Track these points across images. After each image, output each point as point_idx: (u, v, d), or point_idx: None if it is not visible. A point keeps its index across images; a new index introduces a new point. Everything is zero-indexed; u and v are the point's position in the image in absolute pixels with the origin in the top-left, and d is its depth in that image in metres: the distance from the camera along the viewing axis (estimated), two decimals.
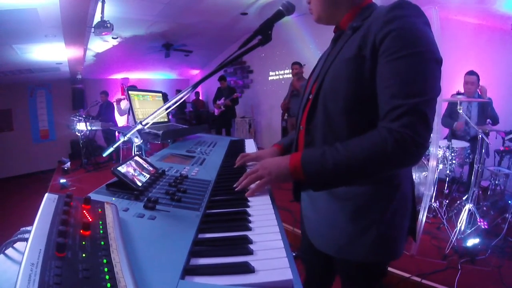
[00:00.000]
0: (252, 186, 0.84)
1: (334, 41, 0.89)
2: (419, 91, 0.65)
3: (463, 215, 2.42)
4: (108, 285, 0.36)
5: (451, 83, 3.47)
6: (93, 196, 0.69)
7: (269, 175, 0.81)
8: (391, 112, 0.67)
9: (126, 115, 5.52)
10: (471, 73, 3.15)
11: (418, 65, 0.66)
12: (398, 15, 0.69)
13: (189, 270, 0.48)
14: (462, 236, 2.36)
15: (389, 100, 0.68)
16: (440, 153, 2.89)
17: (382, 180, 0.77)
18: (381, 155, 0.67)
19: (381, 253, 0.80)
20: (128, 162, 0.85)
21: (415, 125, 0.64)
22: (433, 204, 2.82)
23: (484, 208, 2.74)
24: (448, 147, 2.87)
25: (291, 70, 4.82)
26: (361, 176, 0.74)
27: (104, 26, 4.04)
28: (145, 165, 0.92)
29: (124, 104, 5.39)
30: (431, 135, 2.73)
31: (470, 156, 2.96)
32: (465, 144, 3.00)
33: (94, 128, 5.48)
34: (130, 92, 1.67)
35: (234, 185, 0.86)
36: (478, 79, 3.14)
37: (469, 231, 2.38)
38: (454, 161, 2.91)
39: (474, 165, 2.57)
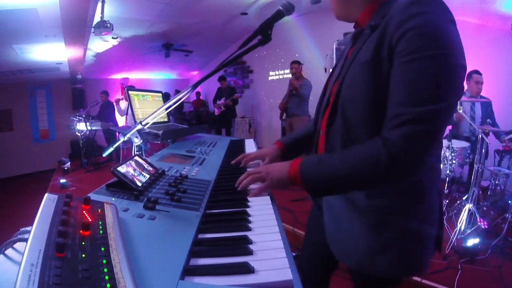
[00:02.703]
0: (253, 186, 0.84)
1: (353, 40, 0.83)
2: (429, 99, 0.59)
3: (463, 215, 2.42)
4: (108, 285, 0.36)
5: None
6: (93, 196, 0.69)
7: (271, 180, 0.79)
8: (392, 120, 0.62)
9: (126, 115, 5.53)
10: (479, 72, 3.13)
11: (433, 69, 0.60)
12: (417, 11, 0.61)
13: (189, 270, 0.48)
14: (462, 236, 2.35)
15: (394, 106, 0.63)
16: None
17: (404, 192, 0.72)
18: (373, 168, 0.63)
19: (404, 268, 0.75)
20: (128, 162, 0.85)
21: (415, 136, 0.59)
22: None
23: (484, 208, 2.74)
24: (448, 147, 2.87)
25: (290, 70, 4.69)
26: (355, 187, 0.72)
27: (104, 26, 4.04)
28: (145, 165, 0.92)
29: (124, 104, 5.39)
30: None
31: (470, 156, 2.95)
32: (465, 144, 3.00)
33: (94, 128, 5.48)
34: (130, 92, 1.67)
35: (236, 185, 0.85)
36: None
37: (469, 231, 2.37)
38: (454, 161, 2.91)
39: (474, 165, 2.57)
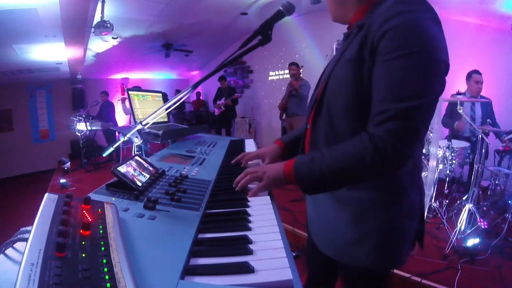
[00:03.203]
0: (251, 186, 0.84)
1: (344, 39, 0.85)
2: (411, 95, 0.61)
3: (463, 215, 2.42)
4: (108, 285, 0.36)
5: (451, 83, 3.47)
6: (93, 196, 0.69)
7: (267, 179, 0.81)
8: (377, 116, 0.64)
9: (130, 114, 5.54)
10: (479, 72, 3.14)
11: (415, 66, 0.62)
12: (400, 10, 0.64)
13: (189, 270, 0.48)
14: (462, 236, 2.36)
15: (378, 103, 0.65)
16: (440, 153, 2.89)
17: (383, 186, 0.75)
18: (361, 163, 0.65)
19: (380, 260, 0.78)
20: (128, 162, 0.85)
21: (400, 131, 0.61)
22: (433, 204, 2.82)
23: (484, 208, 2.74)
24: (448, 147, 2.87)
25: (288, 71, 4.72)
26: (346, 183, 0.73)
27: (104, 26, 4.04)
28: (145, 165, 0.92)
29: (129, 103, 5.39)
30: (433, 135, 2.73)
31: (470, 156, 2.95)
32: (465, 144, 3.00)
33: (94, 128, 5.48)
34: (130, 92, 1.67)
35: (234, 185, 0.85)
36: None
37: (469, 231, 2.38)
38: (454, 161, 2.91)
39: (474, 165, 2.57)
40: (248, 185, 0.86)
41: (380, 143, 0.62)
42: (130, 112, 1.61)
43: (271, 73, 6.80)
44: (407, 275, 2.00)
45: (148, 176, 0.87)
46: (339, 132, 0.76)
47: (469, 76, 3.18)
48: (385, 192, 0.75)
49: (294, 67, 4.55)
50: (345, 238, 0.79)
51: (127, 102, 5.52)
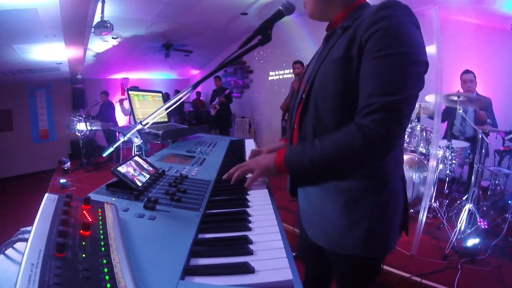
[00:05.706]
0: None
1: (325, 40, 0.91)
2: (395, 90, 0.67)
3: (463, 215, 2.42)
4: (108, 285, 0.36)
5: (451, 83, 3.47)
6: (93, 196, 0.69)
7: (260, 168, 0.85)
8: (364, 109, 0.69)
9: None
10: (467, 71, 3.16)
11: (398, 65, 0.68)
12: (385, 15, 0.70)
13: (189, 270, 0.48)
14: (462, 236, 2.36)
15: (365, 97, 0.70)
16: (440, 153, 2.89)
17: (370, 175, 0.79)
18: (349, 150, 0.70)
19: (371, 247, 0.80)
20: (128, 162, 0.85)
21: (385, 121, 0.67)
22: (433, 204, 2.82)
23: (484, 208, 2.74)
24: (448, 147, 2.87)
25: (292, 70, 4.55)
26: (335, 170, 0.77)
27: (104, 26, 4.04)
28: (145, 165, 0.92)
29: (127, 104, 5.38)
30: (433, 135, 2.74)
31: (470, 156, 2.95)
32: (465, 144, 3.00)
33: (94, 128, 5.48)
34: (130, 92, 1.67)
35: (224, 177, 0.88)
36: (475, 77, 3.15)
37: (469, 231, 2.38)
38: (454, 161, 2.91)
39: (474, 165, 2.57)
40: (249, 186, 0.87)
41: (366, 131, 0.67)
42: (129, 113, 1.61)
43: (271, 73, 6.80)
44: (407, 275, 2.00)
45: (148, 176, 0.87)
46: (327, 128, 0.80)
47: (461, 76, 3.20)
48: (374, 180, 0.79)
49: (298, 65, 4.40)
50: (337, 227, 0.81)
51: (125, 103, 5.55)
